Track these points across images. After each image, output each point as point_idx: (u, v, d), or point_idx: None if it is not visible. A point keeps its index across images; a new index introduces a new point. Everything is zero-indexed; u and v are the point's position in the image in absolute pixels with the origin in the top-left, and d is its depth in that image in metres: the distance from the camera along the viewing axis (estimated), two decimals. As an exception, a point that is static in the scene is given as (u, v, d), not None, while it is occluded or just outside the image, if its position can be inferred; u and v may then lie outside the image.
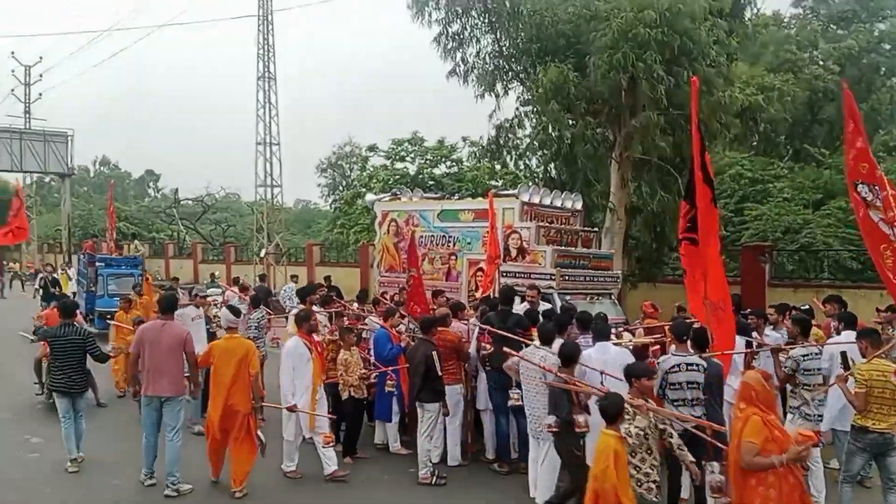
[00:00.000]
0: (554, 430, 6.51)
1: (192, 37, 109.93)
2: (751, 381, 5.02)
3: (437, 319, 8.35)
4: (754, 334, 8.66)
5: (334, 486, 7.60)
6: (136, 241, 23.92)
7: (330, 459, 7.83)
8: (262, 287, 17.07)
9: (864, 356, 6.44)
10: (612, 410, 5.24)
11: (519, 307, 9.12)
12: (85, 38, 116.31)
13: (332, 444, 7.89)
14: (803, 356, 7.07)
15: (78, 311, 9.77)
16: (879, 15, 28.32)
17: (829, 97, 23.97)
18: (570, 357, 6.66)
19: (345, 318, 9.70)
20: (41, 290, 19.81)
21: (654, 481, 5.30)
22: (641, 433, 5.28)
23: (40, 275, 21.17)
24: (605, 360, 6.85)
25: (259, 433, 7.60)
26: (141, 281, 15.66)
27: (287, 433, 8.05)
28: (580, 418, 6.35)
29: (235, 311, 8.50)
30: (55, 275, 21.62)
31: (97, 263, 19.05)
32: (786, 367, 7.22)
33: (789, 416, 7.18)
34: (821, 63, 24.57)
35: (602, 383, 6.60)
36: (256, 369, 7.70)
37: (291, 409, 7.76)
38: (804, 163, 22.93)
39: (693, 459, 5.61)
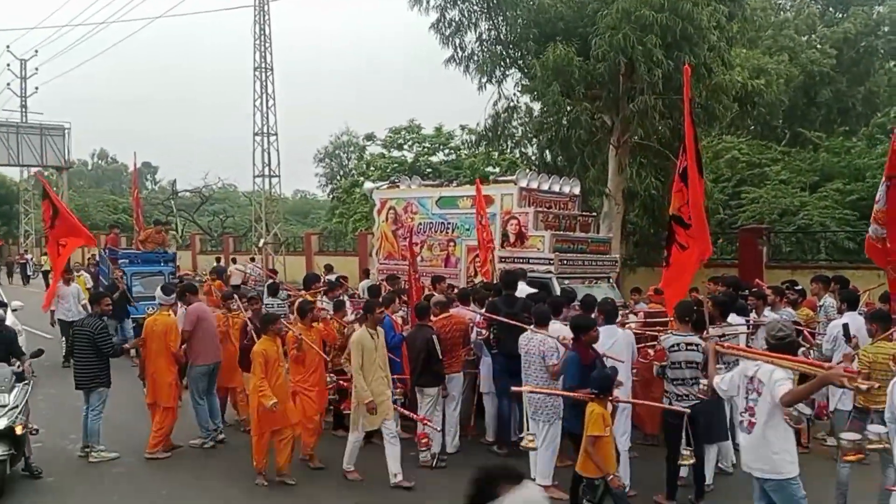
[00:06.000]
0: None
1: (189, 28, 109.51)
2: None
3: (430, 306, 8.34)
4: (752, 315, 8.73)
5: (340, 468, 7.66)
6: (172, 232, 18.67)
7: None
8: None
9: (871, 337, 6.48)
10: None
11: None
12: (81, 31, 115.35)
13: None
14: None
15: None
16: (878, -2, 28.30)
17: (826, 81, 23.98)
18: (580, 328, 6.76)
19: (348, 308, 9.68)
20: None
21: None
22: None
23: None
24: (612, 342, 6.91)
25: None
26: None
27: None
28: None
29: (167, 290, 8.98)
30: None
31: (120, 260, 15.17)
32: None
33: None
34: (818, 47, 24.55)
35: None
36: (177, 344, 8.32)
37: None
38: (800, 146, 22.95)
39: None
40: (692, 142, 6.85)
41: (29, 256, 36.69)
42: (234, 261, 23.45)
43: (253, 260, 25.00)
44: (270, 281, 12.76)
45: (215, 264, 20.15)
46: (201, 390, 8.62)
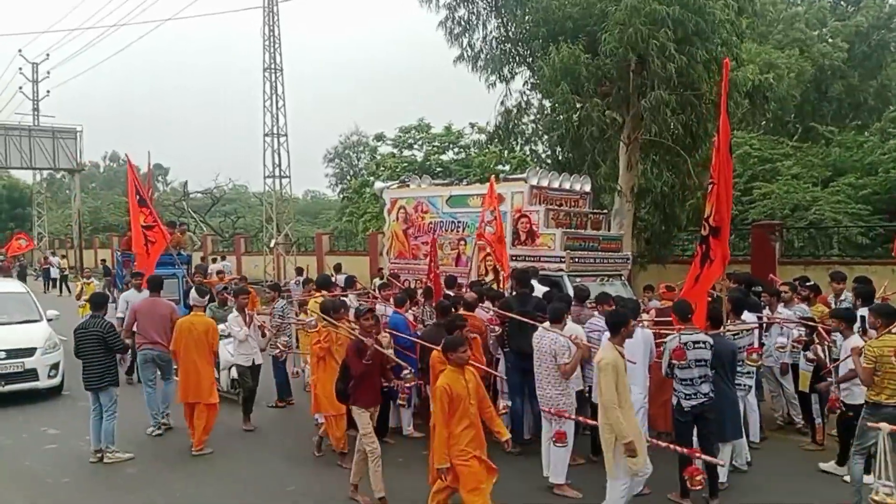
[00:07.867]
0: None
1: (199, 30, 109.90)
2: None
3: (452, 304, 8.38)
4: (766, 311, 8.69)
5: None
6: (189, 233, 17.63)
7: None
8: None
9: (873, 329, 6.44)
10: None
11: None
12: (92, 34, 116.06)
13: None
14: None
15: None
16: (890, -9, 28.00)
17: (837, 75, 23.82)
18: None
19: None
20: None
21: None
22: None
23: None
24: (630, 343, 6.82)
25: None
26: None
27: None
28: None
29: (201, 292, 9.15)
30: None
31: (133, 263, 14.03)
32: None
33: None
34: (829, 41, 24.38)
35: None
36: (216, 344, 8.75)
37: None
38: (812, 141, 22.79)
39: None
40: (726, 138, 6.74)
41: (54, 259, 36.66)
42: (214, 261, 23.96)
43: (224, 258, 26.27)
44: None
45: (199, 263, 19.92)
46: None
